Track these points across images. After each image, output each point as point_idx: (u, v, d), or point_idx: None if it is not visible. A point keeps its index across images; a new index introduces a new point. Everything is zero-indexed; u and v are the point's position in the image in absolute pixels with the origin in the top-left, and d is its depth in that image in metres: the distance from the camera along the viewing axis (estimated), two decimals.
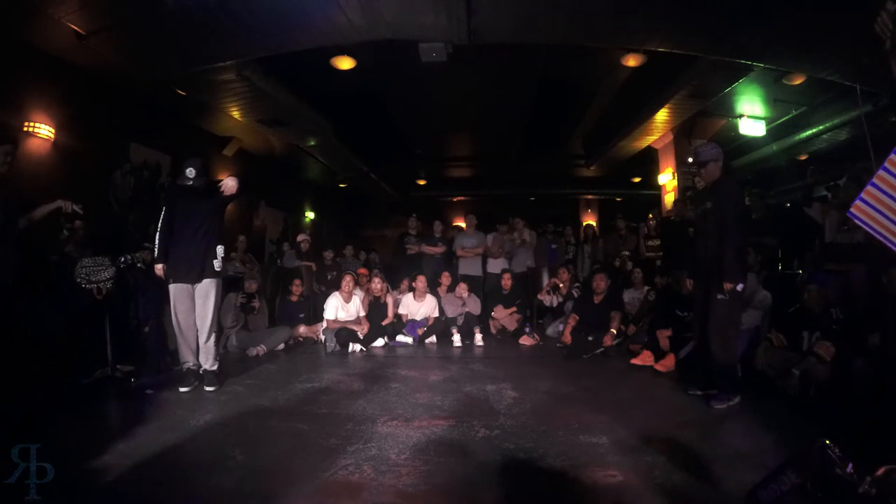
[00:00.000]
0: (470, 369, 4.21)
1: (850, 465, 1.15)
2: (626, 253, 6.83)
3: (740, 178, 8.45)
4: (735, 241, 2.99)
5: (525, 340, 5.54)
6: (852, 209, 1.67)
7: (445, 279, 6.33)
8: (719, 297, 3.03)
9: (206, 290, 3.47)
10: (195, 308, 3.47)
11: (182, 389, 3.31)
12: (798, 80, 5.70)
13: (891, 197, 1.59)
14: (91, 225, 4.46)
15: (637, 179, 11.50)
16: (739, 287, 3.01)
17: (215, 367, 3.54)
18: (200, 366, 3.52)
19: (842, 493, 1.13)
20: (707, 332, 3.12)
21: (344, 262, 7.47)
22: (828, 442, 1.20)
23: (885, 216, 1.60)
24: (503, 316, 5.85)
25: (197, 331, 3.50)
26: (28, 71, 4.51)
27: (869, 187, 1.63)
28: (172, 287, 3.44)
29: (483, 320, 5.82)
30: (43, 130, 4.59)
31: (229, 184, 3.51)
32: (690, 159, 5.06)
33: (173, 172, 6.50)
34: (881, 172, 1.61)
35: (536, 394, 3.33)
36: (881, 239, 1.62)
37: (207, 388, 3.42)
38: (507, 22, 4.17)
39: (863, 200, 1.65)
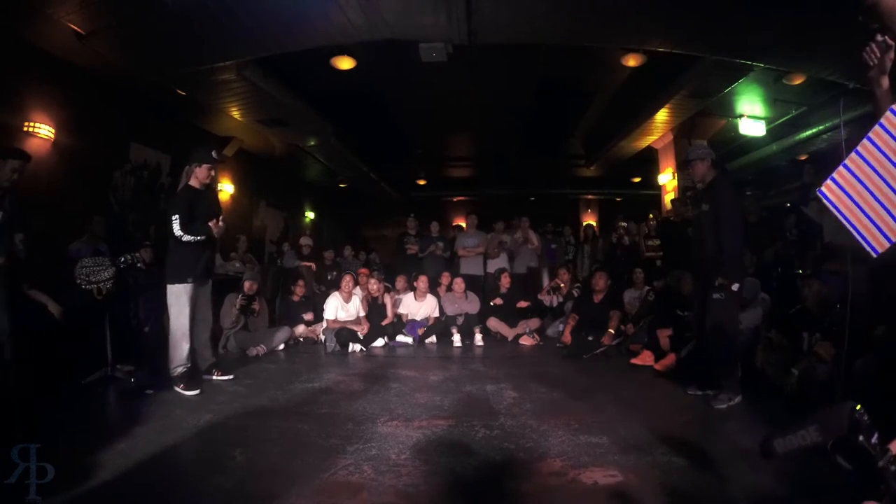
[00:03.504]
0: (470, 369, 4.21)
1: (876, 436, 1.09)
2: (624, 224, 6.84)
3: (737, 178, 8.46)
4: (732, 241, 3.01)
5: (525, 340, 5.54)
6: (822, 188, 1.67)
7: (445, 279, 6.33)
8: (715, 296, 3.04)
9: (209, 290, 3.67)
10: (198, 308, 3.57)
11: (192, 393, 3.26)
12: (798, 80, 5.70)
13: (861, 182, 1.59)
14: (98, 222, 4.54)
15: (637, 179, 11.51)
16: (735, 287, 3.02)
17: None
18: (197, 365, 3.56)
19: (860, 462, 1.08)
20: (706, 332, 3.13)
21: (344, 262, 7.48)
22: (858, 407, 1.12)
23: (853, 200, 1.60)
24: (509, 333, 5.75)
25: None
26: (28, 71, 4.51)
27: (841, 168, 1.63)
28: (190, 286, 3.42)
29: (483, 320, 5.81)
30: (43, 130, 4.59)
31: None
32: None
33: (173, 172, 6.51)
34: (853, 155, 1.61)
35: (536, 394, 3.33)
36: (845, 223, 1.62)
37: (225, 378, 3.65)
38: (507, 22, 4.17)
39: (833, 181, 1.64)
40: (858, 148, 1.60)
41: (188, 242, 3.38)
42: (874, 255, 1.58)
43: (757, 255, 4.88)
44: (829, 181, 1.66)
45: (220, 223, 3.51)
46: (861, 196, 1.59)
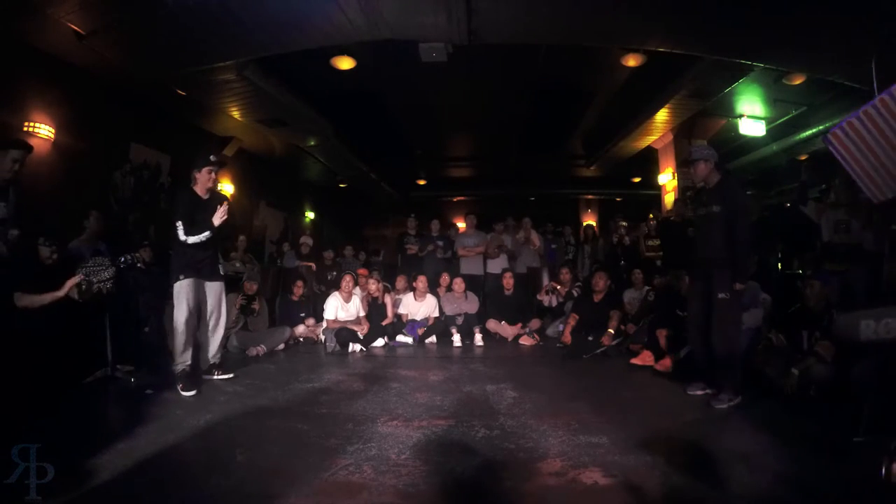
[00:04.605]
0: (470, 369, 4.21)
1: None
2: (624, 224, 6.85)
3: (741, 179, 8.45)
4: (746, 241, 3.03)
5: (525, 340, 5.54)
6: (829, 135, 1.69)
7: (445, 279, 6.33)
8: (720, 295, 3.04)
9: (220, 289, 3.66)
10: (207, 306, 3.57)
11: (190, 393, 3.24)
12: (798, 80, 5.70)
13: (870, 133, 1.59)
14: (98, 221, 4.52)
15: (637, 179, 11.50)
16: (742, 287, 3.04)
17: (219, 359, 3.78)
18: (197, 365, 3.55)
19: None
20: (707, 332, 3.13)
21: (344, 262, 7.48)
22: None
23: (860, 149, 1.61)
24: (509, 333, 5.75)
25: (197, 329, 3.56)
26: (28, 71, 4.51)
27: (852, 119, 1.63)
28: (187, 283, 3.41)
29: (482, 320, 5.81)
30: (43, 130, 4.59)
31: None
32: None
33: (173, 172, 6.52)
34: (868, 108, 1.62)
35: (536, 394, 3.32)
36: (849, 170, 1.63)
37: (226, 377, 3.66)
38: (508, 22, 4.16)
39: (841, 130, 1.65)
40: (877, 101, 1.60)
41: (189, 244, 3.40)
42: (874, 202, 1.60)
43: (759, 254, 4.88)
44: (836, 130, 1.67)
45: (224, 207, 3.53)
46: (869, 147, 1.60)
